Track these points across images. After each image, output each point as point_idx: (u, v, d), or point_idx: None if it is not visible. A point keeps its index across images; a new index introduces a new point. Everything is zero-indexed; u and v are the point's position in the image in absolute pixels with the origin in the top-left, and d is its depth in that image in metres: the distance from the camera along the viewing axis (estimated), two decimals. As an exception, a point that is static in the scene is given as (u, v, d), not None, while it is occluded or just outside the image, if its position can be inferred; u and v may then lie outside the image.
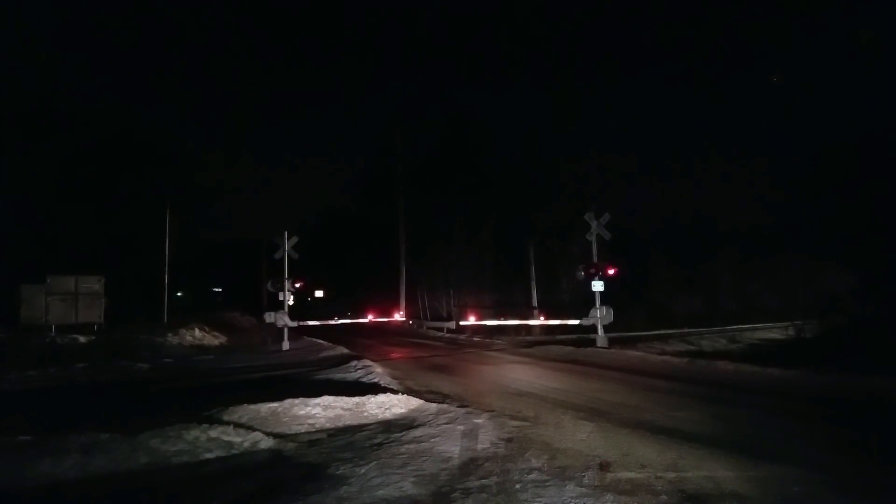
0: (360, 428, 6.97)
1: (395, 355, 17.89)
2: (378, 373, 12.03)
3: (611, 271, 17.80)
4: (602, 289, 17.75)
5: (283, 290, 19.63)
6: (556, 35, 40.21)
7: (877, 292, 16.49)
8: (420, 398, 8.62)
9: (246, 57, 46.12)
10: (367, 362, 13.76)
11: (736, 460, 5.28)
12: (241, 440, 6.13)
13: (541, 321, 25.75)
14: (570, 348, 17.15)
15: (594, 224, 18.04)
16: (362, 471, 5.12)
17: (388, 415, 7.63)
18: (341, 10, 46.25)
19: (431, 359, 16.34)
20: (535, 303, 29.11)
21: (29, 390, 11.14)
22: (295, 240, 19.88)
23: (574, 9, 38.45)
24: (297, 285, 20.31)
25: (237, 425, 6.61)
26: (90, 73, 35.28)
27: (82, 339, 19.00)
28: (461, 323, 26.17)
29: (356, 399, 8.07)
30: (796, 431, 6.70)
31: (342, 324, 25.23)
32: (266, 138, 41.96)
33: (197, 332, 22.30)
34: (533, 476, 4.88)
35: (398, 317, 30.66)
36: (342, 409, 7.74)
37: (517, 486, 4.67)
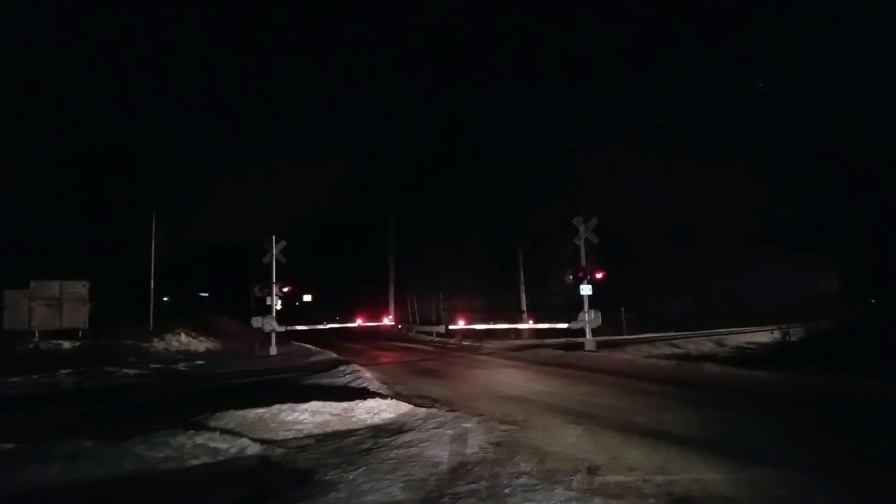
0: (349, 433, 6.94)
1: (384, 360, 17.85)
2: (367, 377, 12.00)
3: (599, 275, 17.88)
4: (590, 292, 17.82)
5: (270, 294, 19.56)
6: (545, 39, 40.39)
7: (861, 296, 16.68)
8: (409, 403, 8.59)
9: (233, 59, 45.94)
10: (356, 367, 13.73)
11: (724, 462, 5.30)
12: (228, 446, 6.08)
13: (530, 325, 25.81)
14: (559, 352, 17.22)
15: (582, 228, 18.12)
16: (351, 476, 5.08)
17: (377, 420, 7.60)
18: (330, 10, 46.24)
19: (421, 363, 16.32)
20: (524, 307, 29.16)
21: (12, 397, 10.99)
22: (283, 244, 19.83)
23: (565, 13, 38.64)
24: (285, 289, 20.25)
25: (224, 431, 6.56)
26: (75, 77, 35.00)
27: (67, 344, 18.82)
28: (451, 327, 26.15)
29: (345, 404, 8.03)
30: (783, 433, 6.74)
31: (331, 328, 25.13)
32: (254, 141, 41.80)
33: (183, 338, 22.15)
34: (522, 480, 4.87)
35: (387, 321, 30.60)
36: (330, 414, 7.70)
37: (506, 490, 4.66)
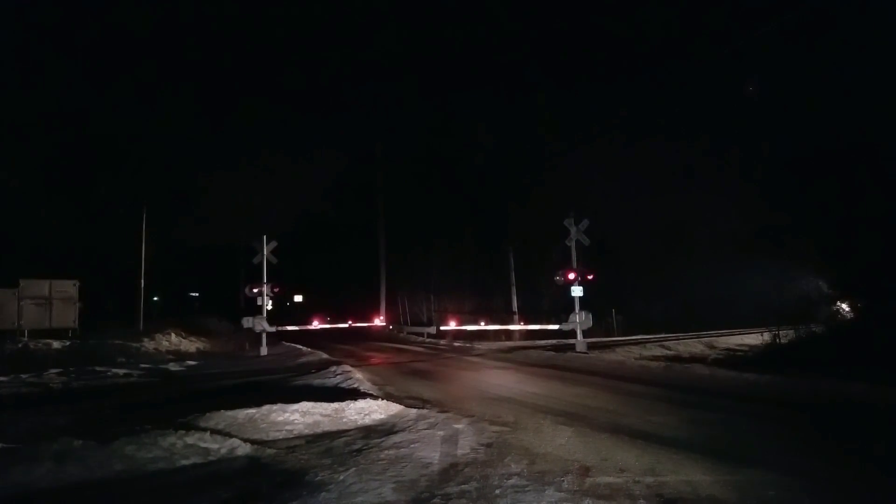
0: (340, 434, 6.92)
1: (374, 360, 17.82)
2: (357, 378, 11.98)
3: (590, 277, 17.92)
4: (581, 294, 17.86)
5: (261, 294, 19.50)
6: (535, 40, 40.51)
7: (850, 299, 16.79)
8: (400, 404, 8.58)
9: (224, 58, 45.78)
10: (347, 367, 13.71)
11: (713, 464, 5.33)
12: (218, 447, 6.05)
13: (521, 326, 25.87)
14: (550, 353, 17.25)
15: (573, 230, 18.15)
16: (341, 477, 5.08)
17: (367, 420, 7.59)
18: (322, 14, 46.16)
19: (411, 364, 16.30)
20: (515, 308, 29.21)
21: (0, 397, 10.91)
22: (273, 244, 19.78)
23: (554, 15, 38.76)
24: (276, 290, 20.19)
25: (214, 432, 6.54)
26: (65, 74, 34.76)
27: (56, 344, 18.66)
28: (441, 328, 26.13)
29: (335, 405, 8.02)
30: (772, 436, 6.78)
31: (322, 328, 25.03)
32: (244, 141, 41.62)
33: (173, 338, 22.05)
34: (512, 481, 4.88)
35: (378, 322, 30.53)
36: (321, 415, 7.68)
37: (497, 491, 4.66)
